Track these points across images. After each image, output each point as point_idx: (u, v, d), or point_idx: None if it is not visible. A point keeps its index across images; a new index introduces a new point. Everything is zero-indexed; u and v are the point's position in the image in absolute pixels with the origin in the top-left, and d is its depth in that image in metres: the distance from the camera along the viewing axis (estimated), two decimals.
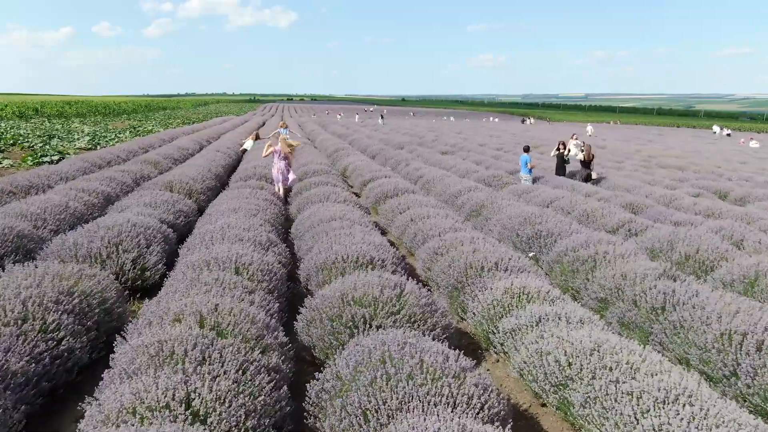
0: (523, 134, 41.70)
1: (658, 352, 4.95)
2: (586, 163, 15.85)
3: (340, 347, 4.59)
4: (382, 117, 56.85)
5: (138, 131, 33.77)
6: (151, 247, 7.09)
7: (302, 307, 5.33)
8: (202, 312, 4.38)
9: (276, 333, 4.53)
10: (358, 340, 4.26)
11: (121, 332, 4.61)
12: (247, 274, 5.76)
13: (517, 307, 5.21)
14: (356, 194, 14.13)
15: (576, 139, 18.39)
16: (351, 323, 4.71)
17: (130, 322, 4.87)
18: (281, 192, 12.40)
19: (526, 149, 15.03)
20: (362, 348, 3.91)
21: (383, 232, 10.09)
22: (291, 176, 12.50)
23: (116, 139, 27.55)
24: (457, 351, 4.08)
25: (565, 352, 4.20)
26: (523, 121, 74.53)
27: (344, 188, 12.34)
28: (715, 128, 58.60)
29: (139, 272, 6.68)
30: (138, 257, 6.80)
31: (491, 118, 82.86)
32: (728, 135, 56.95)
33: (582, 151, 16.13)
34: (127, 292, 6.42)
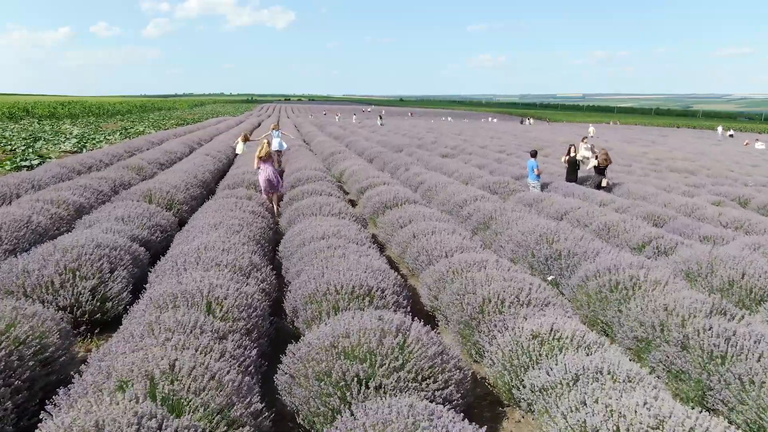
0: (524, 135, 40.76)
1: (722, 414, 4.03)
2: (601, 170, 14.91)
3: (330, 415, 3.68)
4: (380, 117, 55.81)
5: (129, 133, 32.75)
6: (116, 273, 6.15)
7: (285, 353, 4.40)
8: (153, 375, 3.45)
9: (250, 398, 3.59)
10: (353, 413, 3.34)
11: (62, 387, 3.66)
12: (221, 311, 4.81)
13: (547, 356, 4.28)
14: (353, 202, 13.20)
15: (586, 142, 17.40)
16: (343, 383, 3.78)
17: (76, 374, 3.93)
18: (274, 202, 11.45)
19: (533, 154, 14.10)
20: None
21: (382, 248, 9.16)
22: (280, 183, 11.59)
23: (105, 141, 26.56)
24: (480, 428, 3.17)
25: (618, 428, 3.28)
26: (522, 122, 73.63)
27: (339, 197, 11.38)
28: (719, 129, 57.78)
29: (98, 303, 5.73)
30: (99, 285, 5.86)
31: (490, 119, 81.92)
32: (731, 136, 56.09)
33: (596, 156, 15.14)
34: (84, 327, 5.50)
